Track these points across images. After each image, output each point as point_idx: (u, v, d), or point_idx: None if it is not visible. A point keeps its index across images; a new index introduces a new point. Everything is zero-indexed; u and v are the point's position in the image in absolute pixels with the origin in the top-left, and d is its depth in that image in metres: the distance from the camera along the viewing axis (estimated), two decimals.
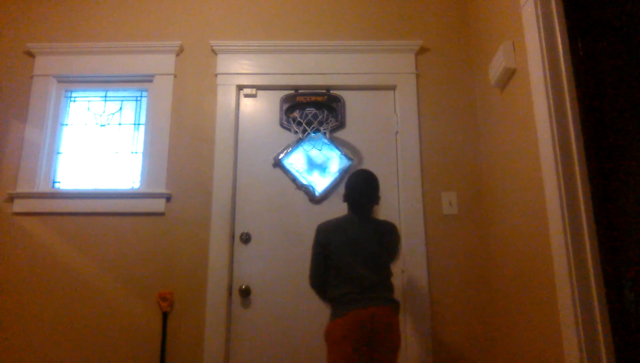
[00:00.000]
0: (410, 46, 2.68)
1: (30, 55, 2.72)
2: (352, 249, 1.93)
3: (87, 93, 2.74)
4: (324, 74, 2.66)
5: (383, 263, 1.98)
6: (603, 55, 1.59)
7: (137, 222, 2.47)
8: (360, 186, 2.01)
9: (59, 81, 2.71)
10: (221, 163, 2.53)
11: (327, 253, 1.94)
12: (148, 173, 2.54)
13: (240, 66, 2.68)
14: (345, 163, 2.58)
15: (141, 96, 2.73)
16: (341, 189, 2.53)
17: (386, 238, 2.02)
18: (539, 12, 1.78)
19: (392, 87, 2.67)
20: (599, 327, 1.50)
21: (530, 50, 1.84)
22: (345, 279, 1.90)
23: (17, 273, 2.42)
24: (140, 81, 2.71)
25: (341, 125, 2.64)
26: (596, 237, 1.57)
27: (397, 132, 2.61)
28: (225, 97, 2.63)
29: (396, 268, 2.43)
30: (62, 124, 2.69)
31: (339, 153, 2.59)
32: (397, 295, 2.40)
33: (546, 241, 1.76)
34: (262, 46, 2.69)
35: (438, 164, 2.55)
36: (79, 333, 2.35)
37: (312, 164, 2.59)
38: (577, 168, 1.63)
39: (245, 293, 2.40)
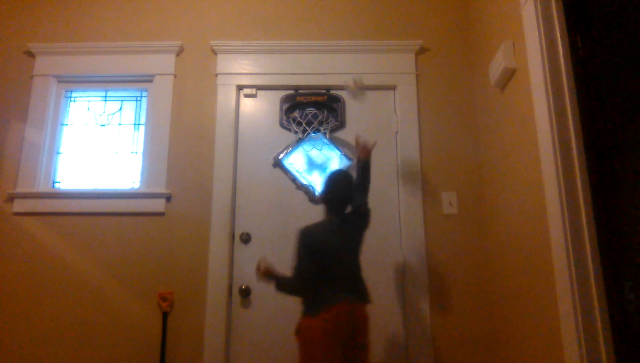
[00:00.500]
0: (410, 45, 2.68)
1: (30, 55, 2.72)
2: (333, 249, 1.94)
3: (87, 93, 2.74)
4: (324, 74, 2.66)
5: (358, 258, 2.00)
6: (603, 55, 1.59)
7: (137, 222, 2.47)
8: (338, 188, 2.03)
9: (59, 81, 2.71)
10: (221, 163, 2.54)
11: (313, 256, 1.93)
12: (148, 173, 2.54)
13: (240, 66, 2.68)
14: (345, 163, 2.58)
15: (141, 96, 2.73)
16: None
17: (358, 225, 2.03)
18: (539, 12, 1.78)
19: (392, 87, 2.67)
20: (599, 327, 1.50)
21: (530, 50, 1.84)
22: (327, 278, 1.90)
23: (17, 273, 2.42)
24: (140, 81, 2.71)
25: (341, 125, 2.64)
26: (596, 237, 1.57)
27: (397, 132, 2.61)
28: (225, 97, 2.63)
29: (396, 268, 2.44)
30: (62, 124, 2.69)
31: (339, 153, 2.59)
32: (398, 295, 2.41)
33: (546, 241, 1.76)
34: (262, 45, 2.69)
35: (438, 164, 2.55)
36: (79, 333, 2.35)
37: (312, 164, 2.59)
38: (577, 168, 1.63)
39: (245, 293, 2.40)
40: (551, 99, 1.70)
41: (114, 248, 2.44)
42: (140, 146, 2.64)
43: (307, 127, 2.61)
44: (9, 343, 2.34)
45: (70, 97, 2.75)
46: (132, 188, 2.57)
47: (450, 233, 2.46)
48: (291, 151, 2.59)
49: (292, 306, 2.39)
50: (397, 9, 2.77)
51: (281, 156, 2.58)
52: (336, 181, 2.06)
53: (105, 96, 2.74)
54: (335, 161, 2.59)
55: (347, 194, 2.05)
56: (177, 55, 2.71)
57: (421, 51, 2.70)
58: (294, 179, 2.56)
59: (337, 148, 2.59)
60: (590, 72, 1.65)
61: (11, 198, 2.50)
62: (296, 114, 2.65)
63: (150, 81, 2.69)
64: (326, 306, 1.84)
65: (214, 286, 2.38)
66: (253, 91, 2.67)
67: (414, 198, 2.49)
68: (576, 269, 1.56)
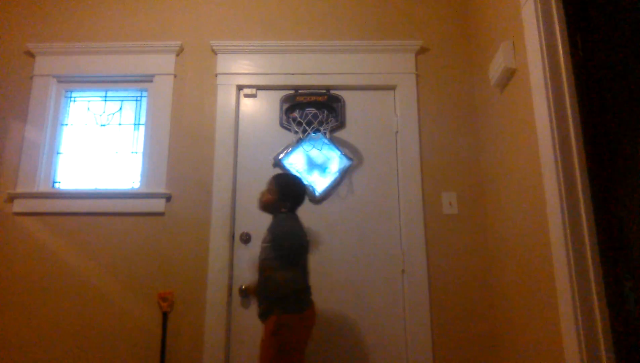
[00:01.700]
0: (410, 46, 2.68)
1: (30, 55, 2.72)
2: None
3: (87, 93, 2.74)
4: (324, 74, 2.66)
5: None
6: (603, 55, 1.59)
7: (137, 222, 2.47)
8: (301, 191, 2.13)
9: (59, 81, 2.71)
10: (221, 163, 2.53)
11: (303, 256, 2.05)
12: (148, 173, 2.54)
13: (240, 66, 2.68)
14: (345, 163, 2.57)
15: (141, 96, 2.73)
16: (342, 189, 2.55)
17: None
18: (539, 12, 1.78)
19: (392, 87, 2.67)
20: (599, 327, 1.51)
21: (530, 50, 1.84)
22: (305, 276, 2.01)
23: (17, 273, 2.42)
24: (140, 81, 2.71)
25: (341, 125, 2.64)
26: (596, 237, 1.57)
27: (397, 132, 2.61)
28: (225, 97, 2.63)
29: (396, 268, 2.44)
30: (62, 124, 2.69)
31: (339, 153, 2.59)
32: (398, 295, 2.41)
33: (546, 241, 1.76)
34: (262, 45, 2.69)
35: (438, 164, 2.55)
36: (79, 333, 2.35)
37: (312, 164, 2.59)
38: (577, 168, 1.63)
39: (246, 293, 2.40)
40: (551, 100, 1.70)
41: (114, 248, 2.44)
42: (140, 146, 2.64)
43: (307, 127, 2.61)
44: (9, 343, 2.34)
45: (70, 97, 2.75)
46: (132, 188, 2.57)
47: (450, 233, 2.46)
48: (291, 151, 2.59)
49: None
50: (397, 9, 2.77)
51: (281, 156, 2.58)
52: (300, 185, 2.14)
53: (105, 96, 2.74)
54: (335, 161, 2.59)
55: (305, 195, 2.18)
56: (177, 55, 2.71)
57: (421, 51, 2.70)
58: None
59: (337, 148, 2.59)
60: (590, 72, 1.65)
61: (11, 198, 2.50)
62: (296, 114, 2.65)
63: (150, 81, 2.69)
64: (308, 303, 1.96)
65: (214, 286, 2.38)
66: (253, 91, 2.67)
67: (414, 198, 2.49)
68: (576, 269, 1.56)
